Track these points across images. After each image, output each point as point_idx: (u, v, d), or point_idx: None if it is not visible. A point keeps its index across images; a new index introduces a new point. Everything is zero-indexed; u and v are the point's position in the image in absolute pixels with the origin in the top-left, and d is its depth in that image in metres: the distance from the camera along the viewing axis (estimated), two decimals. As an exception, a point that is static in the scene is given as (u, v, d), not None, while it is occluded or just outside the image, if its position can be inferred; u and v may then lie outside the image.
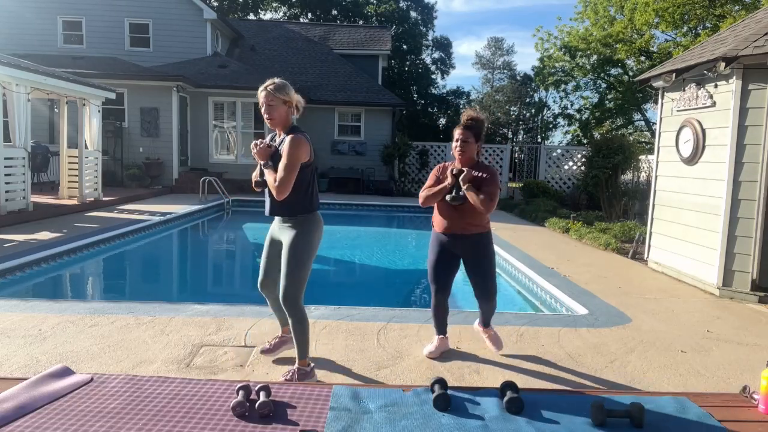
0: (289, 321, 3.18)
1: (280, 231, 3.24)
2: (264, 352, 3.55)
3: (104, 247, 7.58)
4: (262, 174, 3.18)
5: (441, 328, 3.73)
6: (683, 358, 3.87)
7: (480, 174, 3.43)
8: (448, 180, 3.43)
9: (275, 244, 3.31)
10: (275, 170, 3.06)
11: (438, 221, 3.58)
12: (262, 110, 3.10)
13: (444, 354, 3.71)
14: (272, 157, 3.13)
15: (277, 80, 3.11)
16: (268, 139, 3.29)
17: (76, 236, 7.45)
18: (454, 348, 3.85)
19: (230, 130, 16.34)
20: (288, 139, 3.04)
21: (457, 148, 3.46)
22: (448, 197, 3.42)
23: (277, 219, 3.27)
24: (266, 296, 3.44)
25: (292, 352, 3.37)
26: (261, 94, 3.08)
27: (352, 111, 18.19)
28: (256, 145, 3.14)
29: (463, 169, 3.40)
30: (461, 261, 3.60)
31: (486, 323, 3.81)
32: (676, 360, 3.82)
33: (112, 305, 4.58)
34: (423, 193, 3.58)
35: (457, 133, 3.45)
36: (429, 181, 3.61)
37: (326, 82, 18.75)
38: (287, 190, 3.02)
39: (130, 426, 1.68)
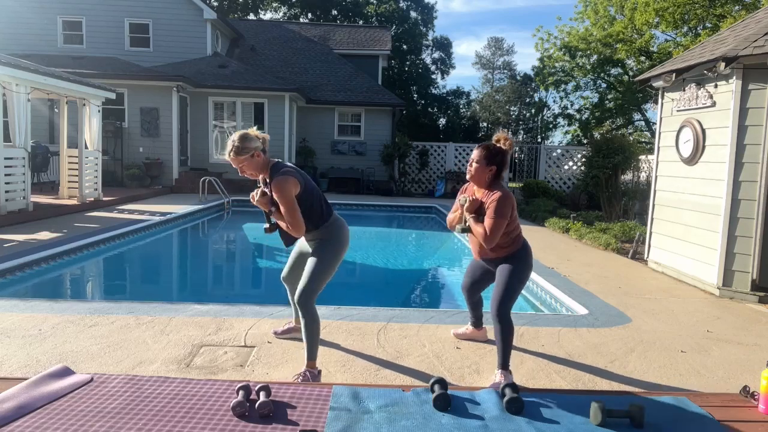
0: (301, 320, 3.22)
1: (308, 245, 3.42)
2: (274, 332, 3.92)
3: (104, 247, 7.57)
4: (269, 219, 3.29)
5: (471, 318, 3.96)
6: (683, 358, 3.87)
7: (485, 201, 3.29)
8: (458, 210, 3.42)
9: (303, 254, 3.52)
10: (280, 214, 3.16)
11: (471, 248, 3.58)
12: (238, 171, 3.15)
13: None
14: (272, 202, 3.20)
15: (235, 139, 3.09)
16: (262, 182, 3.31)
17: (76, 236, 7.45)
18: (455, 348, 3.85)
19: (230, 130, 16.34)
20: (274, 182, 3.09)
21: (469, 167, 3.35)
22: (457, 227, 3.42)
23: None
24: (287, 288, 3.73)
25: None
26: (229, 160, 3.12)
27: (352, 111, 18.20)
28: (253, 197, 3.21)
29: (468, 198, 3.33)
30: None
31: (501, 364, 3.28)
32: (676, 360, 3.82)
33: (112, 305, 4.58)
34: (447, 218, 3.63)
35: (473, 152, 3.37)
36: (454, 205, 3.56)
37: (326, 82, 18.76)
38: (302, 227, 3.15)
39: (130, 426, 1.68)
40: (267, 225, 3.31)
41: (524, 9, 69.48)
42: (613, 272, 6.73)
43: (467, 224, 3.35)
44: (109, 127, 14.05)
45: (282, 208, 3.11)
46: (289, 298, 3.79)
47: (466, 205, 3.32)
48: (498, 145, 3.34)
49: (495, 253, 3.38)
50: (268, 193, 3.21)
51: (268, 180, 3.20)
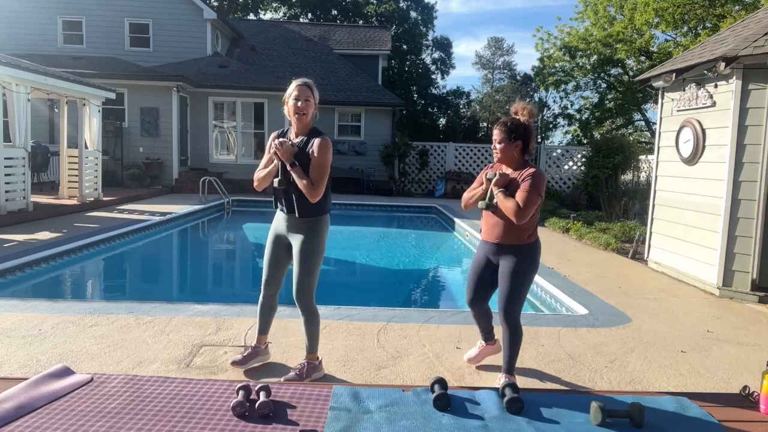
0: (302, 318, 3.21)
1: (290, 230, 3.19)
2: (234, 363, 3.31)
3: (104, 247, 7.57)
4: (285, 173, 3.08)
5: (482, 334, 3.54)
6: (683, 358, 3.87)
7: (517, 177, 3.10)
8: (483, 185, 3.21)
9: (281, 243, 3.24)
10: (302, 172, 3.04)
11: (481, 227, 3.33)
12: (298, 104, 3.05)
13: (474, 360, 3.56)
14: (296, 156, 3.08)
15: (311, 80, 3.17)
16: (280, 137, 3.21)
17: (76, 236, 7.45)
18: (455, 348, 3.85)
19: (230, 130, 16.34)
20: (319, 141, 3.07)
21: (494, 150, 3.22)
22: (480, 204, 3.17)
23: (285, 217, 3.20)
24: (267, 295, 3.31)
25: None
26: (297, 89, 3.06)
27: (352, 111, 18.19)
28: (281, 143, 3.04)
29: (498, 172, 3.14)
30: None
31: (506, 369, 3.17)
32: (676, 360, 3.82)
33: (112, 305, 4.58)
34: (464, 196, 3.36)
35: (493, 133, 3.21)
36: (474, 183, 3.35)
37: (326, 82, 18.75)
38: (321, 193, 3.05)
39: (130, 426, 1.68)
40: (280, 178, 3.09)
41: (523, 10, 69.58)
42: (613, 272, 6.73)
43: (494, 200, 3.10)
44: (109, 127, 14.04)
45: (315, 169, 3.02)
46: (259, 308, 3.36)
47: (495, 178, 3.10)
48: (516, 117, 3.17)
49: (507, 237, 3.12)
50: (296, 147, 3.10)
51: (304, 138, 3.13)
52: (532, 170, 3.09)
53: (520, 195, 3.02)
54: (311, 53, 20.47)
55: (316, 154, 3.04)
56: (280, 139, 3.10)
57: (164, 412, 1.79)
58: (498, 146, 3.16)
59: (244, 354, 3.36)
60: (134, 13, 17.92)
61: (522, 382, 3.30)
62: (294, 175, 3.05)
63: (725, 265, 5.68)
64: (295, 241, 3.17)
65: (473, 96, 37.70)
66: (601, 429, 1.80)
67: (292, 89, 3.10)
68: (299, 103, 3.06)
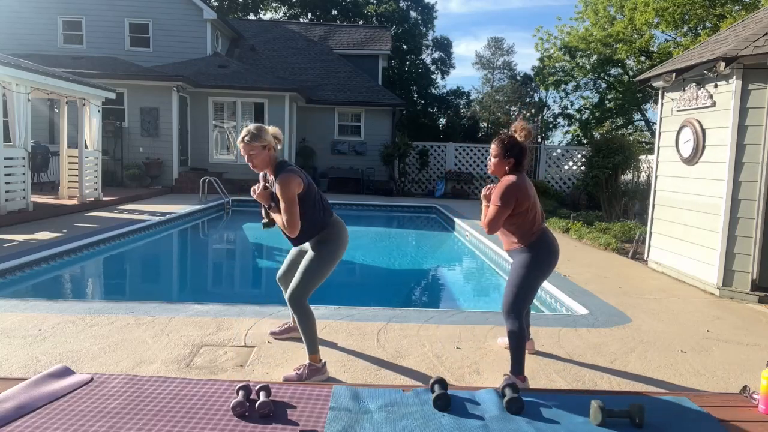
0: (296, 319, 3.27)
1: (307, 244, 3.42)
2: (272, 333, 3.90)
3: (104, 247, 7.57)
4: (267, 214, 3.35)
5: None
6: (683, 358, 3.87)
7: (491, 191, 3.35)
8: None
9: (301, 253, 3.53)
10: (279, 211, 3.17)
11: None
12: (245, 159, 3.18)
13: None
14: (272, 198, 3.23)
15: (251, 128, 3.17)
16: (261, 179, 3.35)
17: (76, 236, 7.45)
18: (455, 348, 3.85)
19: (230, 130, 16.34)
20: (278, 181, 3.12)
21: (489, 162, 3.42)
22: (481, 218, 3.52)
23: None
24: (282, 289, 3.63)
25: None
26: (240, 146, 3.16)
27: (352, 111, 18.19)
28: (254, 191, 3.24)
29: (486, 188, 3.40)
30: None
31: (510, 369, 3.29)
32: (676, 360, 3.82)
33: (112, 305, 4.58)
34: None
35: (491, 146, 3.39)
36: None
37: (326, 82, 18.75)
38: (297, 227, 3.16)
39: (130, 426, 1.68)
40: (266, 220, 3.37)
41: (523, 10, 69.60)
42: (613, 272, 6.73)
43: None
44: (109, 127, 14.04)
45: (282, 205, 3.12)
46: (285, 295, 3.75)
47: (482, 193, 3.39)
48: (514, 135, 3.30)
49: (508, 245, 3.38)
50: (270, 188, 3.24)
51: (272, 176, 3.22)
52: (502, 183, 3.25)
53: (490, 208, 3.28)
54: (311, 53, 20.47)
55: (278, 191, 3.12)
56: (254, 187, 3.27)
57: (164, 412, 1.79)
58: (493, 160, 3.34)
59: (282, 327, 3.91)
60: (134, 13, 17.91)
61: (522, 382, 3.30)
62: (272, 215, 3.28)
63: (725, 265, 5.68)
64: (307, 253, 3.37)
65: (473, 96, 37.67)
66: (601, 429, 1.80)
67: (238, 143, 3.21)
68: (246, 158, 3.18)
